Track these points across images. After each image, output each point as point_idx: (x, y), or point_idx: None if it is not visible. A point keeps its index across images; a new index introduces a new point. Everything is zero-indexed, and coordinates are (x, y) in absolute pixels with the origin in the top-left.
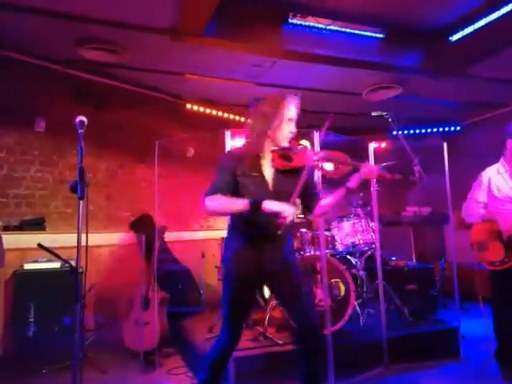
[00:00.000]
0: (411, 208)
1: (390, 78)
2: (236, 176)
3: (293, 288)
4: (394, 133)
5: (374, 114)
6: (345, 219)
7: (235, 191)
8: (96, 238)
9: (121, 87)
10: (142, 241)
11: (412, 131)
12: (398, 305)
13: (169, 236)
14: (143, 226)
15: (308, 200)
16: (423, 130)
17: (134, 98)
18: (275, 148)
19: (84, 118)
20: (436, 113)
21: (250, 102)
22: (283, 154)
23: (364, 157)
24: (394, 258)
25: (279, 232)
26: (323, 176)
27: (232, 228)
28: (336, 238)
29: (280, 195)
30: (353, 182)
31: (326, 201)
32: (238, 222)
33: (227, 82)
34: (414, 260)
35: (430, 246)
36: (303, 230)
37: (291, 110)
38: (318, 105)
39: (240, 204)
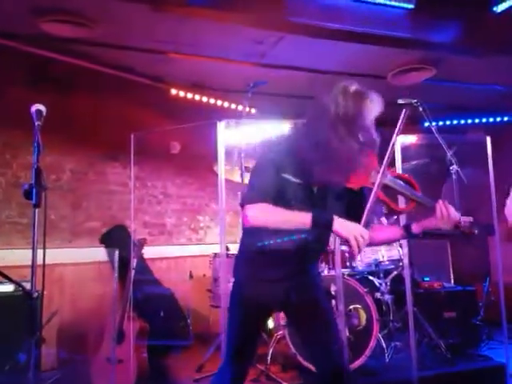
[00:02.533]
0: None
1: (421, 58)
2: (279, 180)
3: (320, 321)
4: (426, 125)
5: (401, 101)
6: None
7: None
8: (58, 255)
9: (91, 69)
10: (114, 258)
11: (448, 123)
12: (432, 337)
13: (148, 252)
14: (116, 239)
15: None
16: (462, 122)
17: (107, 81)
18: None
19: (42, 107)
20: (478, 100)
21: (250, 86)
22: None
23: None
24: (427, 279)
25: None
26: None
27: (252, 241)
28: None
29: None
30: (420, 228)
31: (379, 234)
32: (266, 237)
33: (221, 62)
34: (452, 281)
35: (471, 264)
36: None
37: (372, 116)
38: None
39: (300, 219)
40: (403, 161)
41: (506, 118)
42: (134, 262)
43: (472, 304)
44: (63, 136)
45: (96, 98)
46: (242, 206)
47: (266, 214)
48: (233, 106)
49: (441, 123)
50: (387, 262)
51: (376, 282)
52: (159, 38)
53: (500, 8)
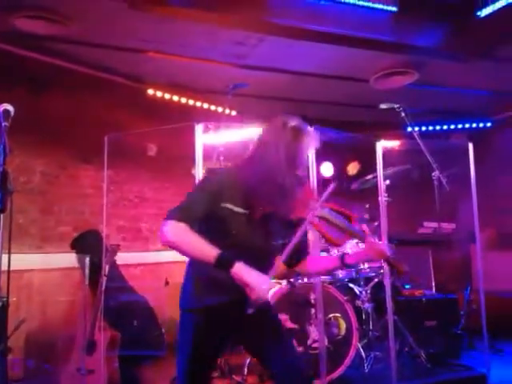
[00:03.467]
0: (430, 224)
1: (404, 62)
2: (217, 210)
3: (266, 326)
4: (409, 130)
5: (383, 106)
6: None
7: (212, 223)
8: (26, 260)
9: (65, 67)
10: (85, 264)
11: (431, 128)
12: (412, 346)
13: (122, 258)
14: (88, 244)
15: (292, 255)
16: (444, 127)
17: (82, 81)
18: None
19: (10, 107)
20: (461, 105)
21: (230, 88)
22: None
23: (370, 159)
24: (407, 287)
25: (249, 312)
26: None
27: (194, 269)
28: None
29: (265, 244)
30: (353, 258)
31: (315, 264)
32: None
33: (201, 62)
34: (434, 289)
35: (452, 272)
36: None
37: (309, 153)
38: (313, 93)
39: (208, 253)
40: (384, 167)
41: (489, 124)
42: (106, 269)
43: (453, 312)
44: (34, 137)
45: (70, 98)
46: (166, 219)
47: (179, 236)
48: (212, 107)
49: (423, 128)
50: (368, 270)
51: (356, 289)
52: (137, 36)
53: (484, 12)
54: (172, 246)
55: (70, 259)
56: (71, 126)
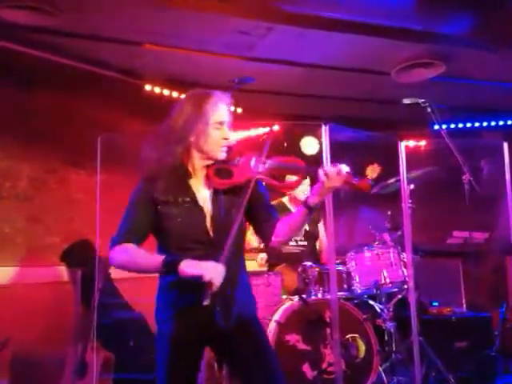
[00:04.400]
0: (460, 233)
1: (429, 52)
2: (156, 205)
3: (255, 350)
4: (436, 127)
5: (406, 101)
6: (365, 249)
7: (158, 228)
8: (10, 274)
9: (53, 61)
10: (77, 278)
11: (461, 125)
12: (440, 370)
13: (116, 271)
14: (80, 256)
15: (261, 223)
16: (476, 125)
17: (72, 76)
18: (210, 163)
19: None
20: (493, 100)
21: (235, 82)
22: (220, 170)
23: (392, 161)
24: (435, 304)
25: (204, 303)
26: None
27: (161, 280)
28: (353, 275)
29: (222, 228)
30: (314, 197)
31: (285, 222)
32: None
33: (202, 55)
34: (464, 306)
35: (486, 287)
36: (307, 263)
37: (221, 111)
38: (328, 88)
39: (153, 263)
40: (408, 169)
41: None
42: (99, 283)
43: (486, 333)
44: (20, 138)
45: (59, 95)
46: (110, 249)
47: (121, 257)
48: None
49: (452, 126)
50: (390, 285)
51: (377, 307)
52: (133, 27)
53: None
54: (122, 269)
55: (59, 273)
56: (61, 126)
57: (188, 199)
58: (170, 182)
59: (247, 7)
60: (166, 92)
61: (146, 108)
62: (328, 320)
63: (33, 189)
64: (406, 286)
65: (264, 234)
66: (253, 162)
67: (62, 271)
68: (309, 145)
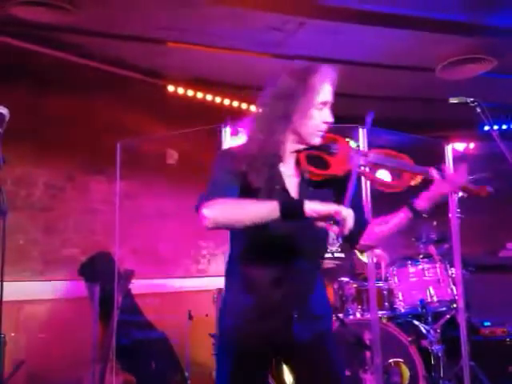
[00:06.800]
0: None
1: (478, 46)
2: (243, 186)
3: (328, 371)
4: (486, 129)
5: (453, 100)
6: (409, 263)
7: None
8: (27, 289)
9: (71, 62)
10: (95, 293)
11: None
12: None
13: (137, 286)
14: (98, 270)
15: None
16: None
17: (91, 77)
18: (301, 148)
19: (4, 110)
20: None
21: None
22: (314, 157)
23: (439, 164)
24: (487, 324)
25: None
26: (376, 190)
27: (232, 269)
28: (396, 292)
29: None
30: (424, 201)
31: (380, 228)
32: (245, 256)
33: (229, 53)
34: None
35: None
36: (343, 278)
37: (325, 90)
38: (365, 87)
39: (265, 207)
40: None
41: None
42: (118, 299)
43: None
44: (36, 144)
45: (77, 98)
46: (197, 208)
47: (224, 209)
48: (243, 105)
49: (504, 127)
50: (437, 303)
51: (422, 328)
52: (156, 24)
53: None
54: (220, 223)
55: (77, 288)
56: (79, 131)
57: (278, 187)
58: (261, 167)
59: (277, 1)
60: (190, 93)
61: (168, 110)
62: (368, 343)
63: (49, 197)
64: (454, 305)
65: (352, 237)
66: (353, 153)
67: (80, 286)
68: None
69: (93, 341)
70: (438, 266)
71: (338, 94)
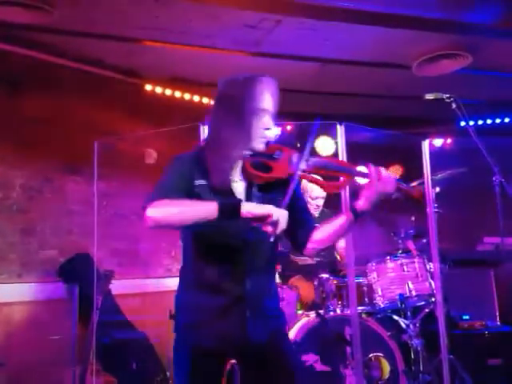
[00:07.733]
0: (491, 239)
1: (454, 43)
2: (193, 188)
3: (284, 372)
4: (462, 124)
5: (429, 96)
6: (388, 259)
7: None
8: (4, 292)
9: (46, 61)
10: (74, 294)
11: (489, 121)
12: None
13: (118, 286)
14: (77, 271)
15: (296, 228)
16: (506, 120)
17: (67, 77)
18: (247, 154)
19: None
20: None
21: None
22: (258, 163)
23: (415, 162)
24: (466, 318)
25: (271, 239)
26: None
27: (185, 268)
28: (375, 287)
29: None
30: (362, 202)
31: (325, 229)
32: (197, 256)
33: (207, 51)
34: (498, 319)
35: None
36: (324, 275)
37: (265, 98)
38: (343, 85)
39: (204, 207)
40: (433, 171)
41: None
42: (98, 300)
43: None
44: (13, 144)
45: (53, 98)
46: (143, 209)
47: (165, 209)
48: None
49: (480, 123)
50: (416, 298)
51: (402, 322)
52: (132, 23)
53: None
54: (162, 224)
55: (56, 289)
56: (55, 131)
57: (227, 189)
58: (211, 172)
59: None
60: (167, 92)
61: (146, 109)
62: (348, 338)
63: (26, 199)
64: (433, 299)
65: (299, 241)
66: (294, 159)
67: (59, 288)
68: (324, 146)
69: (72, 342)
70: (416, 260)
71: (314, 92)
